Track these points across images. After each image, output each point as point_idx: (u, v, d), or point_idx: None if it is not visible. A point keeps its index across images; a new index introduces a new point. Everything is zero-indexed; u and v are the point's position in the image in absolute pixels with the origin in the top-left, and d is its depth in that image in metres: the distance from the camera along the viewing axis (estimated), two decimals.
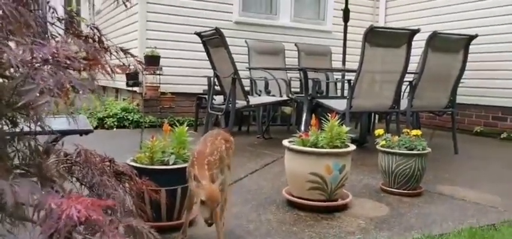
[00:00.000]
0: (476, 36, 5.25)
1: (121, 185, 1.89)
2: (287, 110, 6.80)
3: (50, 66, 1.08)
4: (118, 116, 7.01)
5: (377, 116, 7.77)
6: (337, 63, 7.52)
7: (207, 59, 5.59)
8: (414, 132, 3.60)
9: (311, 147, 3.08)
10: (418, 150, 3.48)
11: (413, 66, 5.30)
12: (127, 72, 6.76)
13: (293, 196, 3.17)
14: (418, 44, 5.10)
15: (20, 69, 1.02)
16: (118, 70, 1.43)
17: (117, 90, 8.70)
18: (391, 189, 3.57)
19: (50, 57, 1.05)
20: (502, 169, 4.88)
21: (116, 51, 1.56)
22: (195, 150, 2.35)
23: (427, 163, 3.59)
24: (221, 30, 5.16)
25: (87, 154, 1.76)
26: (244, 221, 2.91)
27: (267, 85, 6.28)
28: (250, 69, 6.59)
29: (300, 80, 6.70)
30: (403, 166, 3.47)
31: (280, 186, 3.50)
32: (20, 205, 1.04)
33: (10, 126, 1.31)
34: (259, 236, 2.65)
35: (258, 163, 4.59)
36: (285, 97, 5.89)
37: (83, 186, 1.81)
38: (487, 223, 2.94)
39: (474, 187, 3.95)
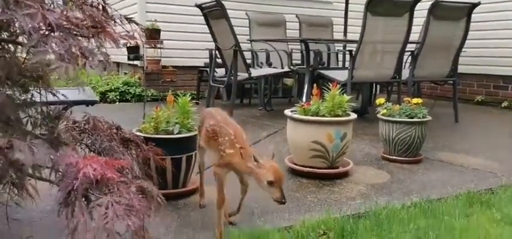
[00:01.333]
0: (478, 3, 5.22)
1: (128, 152, 1.94)
2: (289, 81, 6.82)
3: (60, 33, 1.11)
4: (120, 90, 7.04)
5: (378, 87, 7.80)
6: (338, 35, 7.49)
7: (208, 31, 5.58)
8: (415, 100, 3.64)
9: (312, 116, 3.13)
10: (419, 118, 3.52)
11: (415, 36, 5.29)
12: (128, 45, 6.77)
13: (295, 164, 3.24)
14: (420, 13, 5.08)
15: (32, 35, 1.05)
16: (125, 38, 1.45)
17: (118, 64, 8.70)
18: (391, 157, 3.63)
19: (64, 22, 1.08)
20: (501, 137, 4.93)
21: (120, 20, 1.58)
22: (228, 131, 2.13)
23: (426, 131, 3.63)
24: (222, 1, 5.14)
25: (95, 121, 1.81)
26: (251, 190, 2.97)
27: (268, 57, 6.28)
28: (251, 41, 6.58)
29: (301, 52, 6.70)
30: (403, 134, 3.52)
31: (282, 155, 3.55)
32: (37, 165, 1.09)
33: (21, 92, 1.35)
34: (262, 202, 2.70)
35: (260, 134, 4.64)
36: (286, 69, 5.90)
37: (92, 152, 1.87)
38: (484, 188, 3.01)
39: (473, 153, 4.00)
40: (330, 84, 3.20)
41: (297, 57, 7.11)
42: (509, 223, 2.35)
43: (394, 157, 3.61)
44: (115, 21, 1.57)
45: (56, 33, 1.11)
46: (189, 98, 2.87)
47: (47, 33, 1.11)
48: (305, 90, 5.13)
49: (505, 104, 7.00)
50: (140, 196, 1.22)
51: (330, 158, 3.10)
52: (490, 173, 3.38)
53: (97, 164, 1.08)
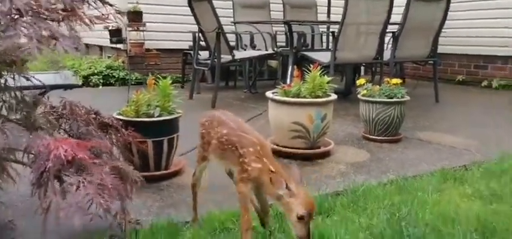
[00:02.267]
0: None
1: (107, 136, 1.96)
2: (273, 64, 6.84)
3: (29, 17, 1.12)
4: (103, 74, 6.99)
5: (363, 68, 7.88)
6: (322, 16, 7.51)
7: (191, 13, 5.55)
8: (394, 81, 3.70)
9: (293, 97, 3.17)
10: (397, 98, 3.59)
11: (396, 17, 5.33)
12: (110, 28, 6.70)
13: (277, 145, 3.28)
14: None
15: (1, 20, 1.06)
16: (96, 21, 1.46)
17: (101, 48, 8.61)
18: (371, 136, 3.71)
19: (34, 6, 1.09)
20: (479, 115, 5.04)
21: (94, 1, 1.58)
22: (252, 141, 1.81)
23: (405, 111, 3.71)
24: None
25: (72, 106, 1.82)
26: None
27: (252, 39, 6.29)
28: (235, 23, 6.56)
29: (286, 34, 6.71)
30: (382, 114, 3.59)
31: (265, 137, 3.56)
32: (11, 149, 1.10)
33: None
34: None
35: (244, 117, 4.67)
36: (270, 51, 5.92)
37: (70, 137, 1.88)
38: (459, 165, 3.10)
39: (451, 132, 4.10)
40: (312, 66, 3.23)
41: (281, 39, 7.12)
42: (479, 197, 2.44)
43: (374, 137, 3.69)
44: (89, 4, 1.57)
45: (26, 18, 1.12)
46: (170, 82, 2.88)
47: (16, 17, 1.11)
48: (289, 72, 5.17)
49: (484, 83, 7.14)
50: (113, 176, 1.25)
51: (311, 138, 3.16)
52: (466, 151, 3.47)
53: (68, 145, 1.10)
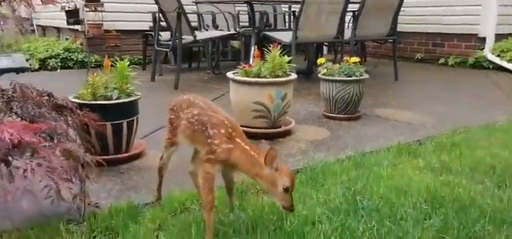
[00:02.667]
0: None
1: (62, 118, 1.92)
2: (236, 44, 6.82)
3: None
4: (61, 57, 6.76)
5: (325, 48, 7.98)
6: None
7: None
8: (353, 59, 3.78)
9: (254, 77, 3.19)
10: (356, 76, 3.67)
11: None
12: (66, 9, 6.45)
13: (239, 125, 3.30)
14: None
15: None
16: (47, 1, 1.41)
17: (58, 29, 8.30)
18: (332, 114, 3.79)
19: None
20: (435, 92, 5.24)
21: None
22: (222, 122, 1.81)
23: (365, 88, 3.80)
24: None
25: (23, 88, 1.76)
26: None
27: (214, 20, 6.23)
28: (196, 3, 6.47)
29: (248, 14, 6.68)
30: (342, 92, 3.67)
31: None
32: None
33: None
34: None
35: (207, 97, 4.62)
36: (232, 31, 5.89)
37: (23, 120, 1.83)
38: (414, 139, 3.23)
39: (408, 109, 4.25)
40: (272, 45, 3.25)
41: (244, 19, 7.08)
42: (431, 170, 2.56)
43: (335, 115, 3.77)
44: None
45: None
46: (131, 63, 2.83)
47: None
48: (251, 53, 5.17)
49: (441, 60, 7.39)
50: (64, 158, 1.23)
51: (272, 117, 3.20)
52: (421, 126, 3.62)
53: (14, 129, 1.08)
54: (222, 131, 1.77)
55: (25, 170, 1.10)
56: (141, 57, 6.85)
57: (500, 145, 3.00)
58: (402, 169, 2.55)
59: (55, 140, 1.50)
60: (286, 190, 1.67)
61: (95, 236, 1.85)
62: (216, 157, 1.76)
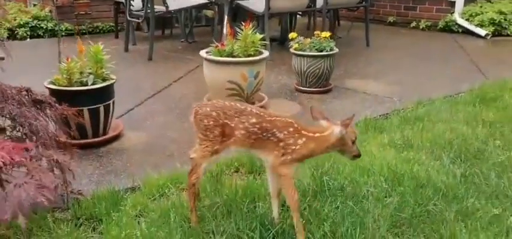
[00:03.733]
0: None
1: (42, 113, 1.98)
2: (209, 13, 6.77)
3: None
4: (30, 25, 6.58)
5: (299, 16, 8.00)
6: None
7: None
8: (324, 34, 3.88)
9: (228, 57, 3.26)
10: (327, 51, 3.79)
11: None
12: None
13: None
14: None
15: None
16: None
17: None
18: (303, 88, 3.93)
19: None
20: (405, 58, 5.42)
21: None
22: (287, 122, 1.81)
23: (334, 62, 3.93)
24: None
25: (2, 87, 1.81)
26: (169, 130, 3.13)
27: None
28: None
29: None
30: (313, 67, 3.80)
31: (202, 93, 3.68)
32: None
33: None
34: (181, 143, 2.89)
35: (181, 70, 4.72)
36: (205, 0, 5.85)
37: (4, 117, 1.90)
38: (380, 113, 3.41)
39: (377, 79, 4.42)
40: (243, 23, 3.31)
41: None
42: (393, 146, 2.76)
43: (306, 88, 3.91)
44: None
45: None
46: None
47: None
48: (225, 22, 5.18)
49: (413, 24, 7.55)
50: (50, 171, 1.33)
51: (245, 95, 3.31)
52: (388, 98, 3.80)
53: (5, 151, 1.16)
54: (291, 130, 1.79)
55: (16, 185, 1.19)
56: (113, 24, 6.74)
57: (460, 119, 3.20)
58: (368, 146, 2.73)
59: (39, 148, 1.58)
60: (354, 142, 1.83)
61: (81, 224, 1.96)
62: (294, 157, 1.78)
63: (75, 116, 2.22)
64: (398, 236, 1.86)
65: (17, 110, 1.77)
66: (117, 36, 6.45)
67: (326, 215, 1.96)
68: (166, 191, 2.24)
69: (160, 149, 2.82)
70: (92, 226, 1.97)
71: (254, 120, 1.80)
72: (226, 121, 1.82)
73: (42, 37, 6.61)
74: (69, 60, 2.71)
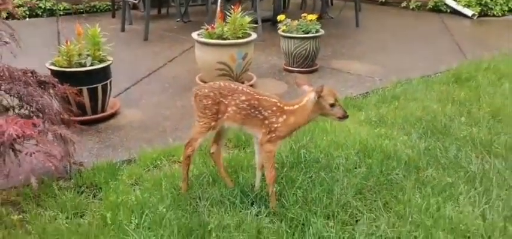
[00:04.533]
0: None
1: (46, 92, 2.22)
2: None
3: None
4: (28, 6, 6.73)
5: None
6: None
7: None
8: (310, 17, 4.08)
9: (218, 39, 3.48)
10: (313, 33, 4.00)
11: None
12: None
13: (205, 82, 3.63)
14: None
15: None
16: None
17: None
18: (291, 68, 4.15)
19: None
20: (391, 39, 5.63)
21: None
22: (271, 101, 2.01)
23: (320, 44, 4.15)
24: None
25: (9, 70, 2.04)
26: (163, 108, 3.37)
27: None
28: None
29: None
30: (300, 48, 4.02)
31: (195, 73, 3.91)
32: None
33: None
34: (174, 120, 3.14)
35: (176, 50, 4.93)
36: None
37: (12, 97, 2.13)
38: (361, 92, 3.65)
39: (361, 59, 4.64)
40: (233, 7, 3.52)
41: None
42: (369, 123, 3.00)
43: (293, 68, 4.14)
44: None
45: None
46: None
47: None
48: (219, 2, 5.36)
49: (404, 4, 7.72)
50: (56, 144, 1.56)
51: (234, 75, 3.54)
52: (369, 78, 4.03)
53: (17, 126, 1.39)
54: (274, 109, 1.98)
55: (27, 153, 1.43)
56: (110, 4, 6.90)
57: (434, 97, 3.45)
58: (345, 124, 2.97)
59: (46, 123, 1.81)
60: (333, 105, 1.96)
61: (82, 192, 2.22)
62: (277, 135, 1.98)
63: (76, 95, 2.45)
64: (361, 201, 2.11)
65: (24, 90, 2.00)
66: (113, 16, 6.62)
67: (300, 184, 2.22)
68: (159, 163, 2.49)
69: (155, 126, 3.06)
70: (93, 193, 2.22)
71: (244, 98, 2.01)
72: (221, 99, 2.03)
73: (41, 16, 6.78)
74: (69, 43, 2.93)
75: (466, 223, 1.93)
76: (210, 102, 2.05)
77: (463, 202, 2.09)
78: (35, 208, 2.06)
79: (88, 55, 2.96)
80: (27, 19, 6.66)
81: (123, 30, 5.76)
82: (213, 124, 2.06)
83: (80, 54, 2.95)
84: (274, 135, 2.00)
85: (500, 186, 2.23)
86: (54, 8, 6.77)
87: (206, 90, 2.08)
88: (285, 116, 2.00)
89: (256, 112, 2.01)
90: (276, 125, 1.99)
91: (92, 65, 2.93)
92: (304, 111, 1.99)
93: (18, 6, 6.65)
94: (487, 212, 2.02)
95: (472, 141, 2.69)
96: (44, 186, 2.21)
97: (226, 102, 2.04)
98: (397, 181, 2.28)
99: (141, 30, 5.58)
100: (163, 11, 7.18)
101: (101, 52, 3.01)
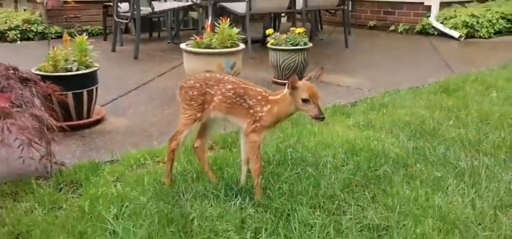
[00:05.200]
0: None
1: (27, 89, 2.18)
2: (194, 15, 7.01)
3: None
4: (20, 28, 6.76)
5: (283, 18, 8.27)
6: None
7: None
8: (298, 30, 4.12)
9: (206, 48, 3.49)
10: (301, 46, 4.03)
11: None
12: None
13: None
14: None
15: None
16: None
17: (16, 0, 8.21)
18: (280, 81, 4.15)
19: None
20: (380, 57, 5.69)
21: None
22: (257, 90, 2.00)
23: (309, 56, 4.18)
24: None
25: None
26: (150, 116, 3.34)
27: None
28: None
29: None
30: (288, 60, 4.03)
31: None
32: None
33: None
34: (161, 126, 3.10)
35: (166, 67, 4.93)
36: (189, 2, 6.09)
37: None
38: (350, 101, 3.65)
39: (350, 74, 4.67)
40: (221, 18, 3.55)
41: None
42: (357, 127, 2.98)
43: (283, 81, 4.13)
44: None
45: None
46: (91, 34, 3.07)
47: None
48: (209, 23, 5.42)
49: (392, 28, 7.86)
50: (32, 119, 1.52)
51: None
52: (358, 89, 4.04)
53: None
54: (259, 98, 1.96)
55: (1, 128, 1.39)
56: (102, 28, 6.95)
57: (422, 105, 3.45)
58: (333, 128, 2.95)
59: (23, 107, 1.78)
60: (305, 101, 1.84)
61: (61, 188, 2.15)
62: (262, 124, 1.94)
63: (59, 94, 2.42)
64: (349, 194, 2.07)
65: (4, 82, 1.97)
66: (105, 39, 6.65)
67: (286, 179, 2.17)
68: (143, 162, 2.44)
69: (141, 132, 3.02)
70: (72, 189, 2.16)
71: (230, 86, 1.99)
72: (207, 89, 2.00)
73: (32, 40, 6.80)
74: (55, 49, 2.92)
75: (455, 212, 1.89)
76: (195, 93, 2.02)
77: (452, 193, 2.05)
78: (12, 203, 1.99)
79: (74, 61, 2.94)
80: (19, 42, 6.68)
81: (113, 50, 5.78)
82: (199, 115, 2.03)
83: (66, 60, 2.93)
84: (258, 124, 1.96)
85: (489, 179, 2.19)
86: (45, 32, 6.80)
87: (192, 82, 2.05)
88: (269, 106, 1.97)
89: (242, 101, 1.98)
90: (260, 114, 1.96)
91: (78, 69, 2.91)
92: (284, 102, 1.95)
93: (9, 29, 6.70)
94: (476, 202, 1.98)
95: (460, 141, 2.67)
96: (22, 184, 2.14)
97: (212, 92, 2.01)
98: (385, 176, 2.24)
99: (131, 50, 5.60)
100: (155, 34, 7.25)
101: (87, 58, 2.99)
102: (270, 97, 1.99)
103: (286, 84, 1.92)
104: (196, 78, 2.07)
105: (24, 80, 2.24)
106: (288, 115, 2.02)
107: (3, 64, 2.11)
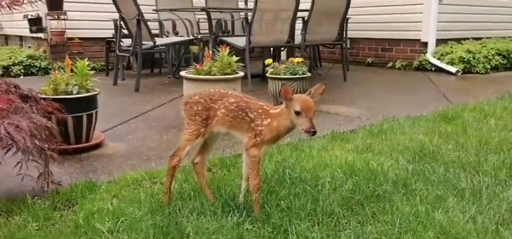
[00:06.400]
0: None
1: (28, 105, 2.20)
2: (195, 49, 7.14)
3: None
4: (24, 64, 6.88)
5: (283, 52, 8.41)
6: (242, 3, 7.91)
7: (112, 1, 5.69)
8: (297, 60, 4.19)
9: (205, 75, 3.53)
10: (299, 74, 4.08)
11: (306, 5, 5.84)
12: (29, 17, 6.62)
13: None
14: None
15: None
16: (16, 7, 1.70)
17: (21, 38, 8.39)
18: None
19: None
20: (378, 90, 5.74)
21: None
22: (258, 104, 2.00)
23: (307, 85, 4.21)
24: None
25: None
26: (149, 141, 3.34)
27: (174, 26, 6.54)
28: (157, 11, 6.77)
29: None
30: None
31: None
32: None
33: None
34: (159, 150, 3.10)
35: (165, 99, 4.97)
36: (191, 37, 6.22)
37: None
38: (349, 129, 3.65)
39: (349, 104, 4.70)
40: (221, 47, 3.61)
41: (205, 26, 7.41)
42: (356, 151, 2.97)
43: None
44: None
45: None
46: (94, 69, 3.11)
47: None
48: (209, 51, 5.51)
49: (390, 64, 7.97)
50: (30, 121, 1.53)
51: None
52: (357, 118, 4.05)
53: None
54: (260, 111, 1.96)
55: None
56: (104, 64, 7.06)
57: (421, 131, 3.45)
58: (332, 151, 2.94)
59: (21, 113, 1.79)
60: (298, 113, 1.85)
61: (56, 206, 2.13)
62: (262, 138, 1.94)
63: (59, 111, 2.42)
64: (348, 211, 2.04)
65: (5, 96, 1.98)
66: (107, 74, 6.73)
67: (284, 196, 2.14)
68: (140, 182, 2.42)
69: (139, 155, 3.01)
70: (68, 206, 2.13)
71: (232, 100, 2.00)
72: (212, 104, 2.01)
73: (35, 75, 6.89)
74: (57, 72, 2.95)
75: (456, 227, 1.86)
76: (200, 108, 2.02)
77: (453, 210, 2.03)
78: (6, 219, 1.96)
79: (75, 85, 2.97)
80: (22, 77, 6.76)
81: (115, 84, 5.84)
82: (202, 130, 2.02)
83: (67, 84, 2.96)
84: (259, 139, 1.96)
85: (490, 197, 2.17)
86: (49, 67, 6.90)
87: (197, 97, 2.06)
88: (269, 119, 1.97)
89: (244, 114, 1.98)
90: (260, 128, 1.96)
91: (78, 93, 2.93)
92: (282, 115, 1.96)
93: (13, 65, 6.80)
94: (478, 218, 1.95)
95: (460, 163, 2.66)
96: (18, 201, 2.12)
97: (216, 106, 2.01)
98: (385, 194, 2.21)
99: (132, 84, 5.65)
100: (156, 70, 7.35)
101: (88, 82, 3.03)
102: (271, 111, 2.00)
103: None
104: (201, 94, 2.08)
105: (25, 97, 2.25)
106: (287, 129, 2.00)
107: (5, 82, 2.14)
